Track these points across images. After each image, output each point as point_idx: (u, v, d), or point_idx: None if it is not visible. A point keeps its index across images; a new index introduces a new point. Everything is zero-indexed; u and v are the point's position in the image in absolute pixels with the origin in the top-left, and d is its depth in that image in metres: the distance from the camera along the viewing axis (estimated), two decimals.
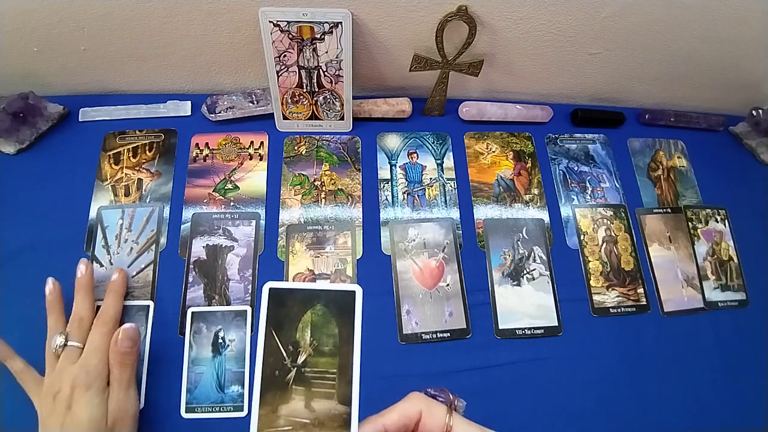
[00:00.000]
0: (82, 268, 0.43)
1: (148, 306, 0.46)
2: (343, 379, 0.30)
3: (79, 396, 0.37)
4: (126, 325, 0.40)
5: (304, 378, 0.29)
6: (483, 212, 0.54)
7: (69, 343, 0.39)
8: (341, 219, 0.52)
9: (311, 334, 0.31)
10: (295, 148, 0.55)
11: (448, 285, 0.50)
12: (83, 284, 0.42)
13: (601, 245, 0.54)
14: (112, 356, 0.39)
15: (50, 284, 0.42)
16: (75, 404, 0.37)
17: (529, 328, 0.49)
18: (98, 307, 0.43)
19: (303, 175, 0.54)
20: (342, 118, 0.55)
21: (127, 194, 0.51)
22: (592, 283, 0.52)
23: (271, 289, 0.30)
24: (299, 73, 0.51)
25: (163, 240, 0.49)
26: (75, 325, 0.41)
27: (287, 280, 0.48)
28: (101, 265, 0.47)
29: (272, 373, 0.29)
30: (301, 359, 0.30)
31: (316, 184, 0.54)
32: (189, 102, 0.56)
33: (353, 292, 0.31)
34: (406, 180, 0.55)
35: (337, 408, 0.29)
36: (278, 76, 0.51)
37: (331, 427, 0.29)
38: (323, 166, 0.55)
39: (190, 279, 0.47)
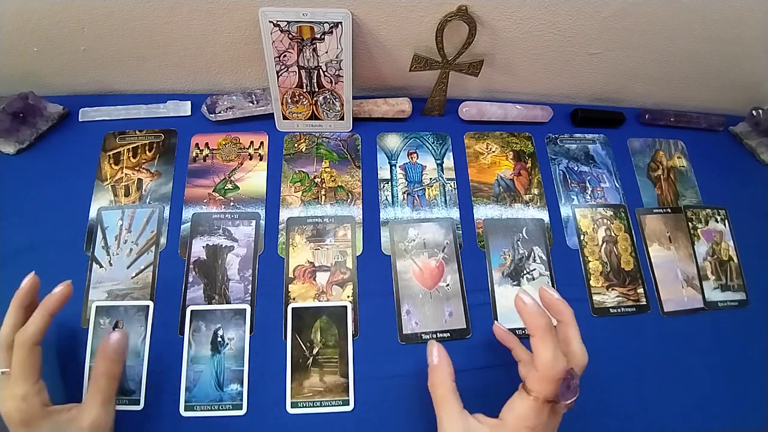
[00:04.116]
0: (24, 281, 0.38)
1: (148, 306, 0.46)
2: (342, 362, 0.45)
3: None
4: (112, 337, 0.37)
5: (318, 362, 0.45)
6: (483, 212, 0.54)
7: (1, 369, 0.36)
8: (341, 216, 0.52)
9: (321, 335, 0.46)
10: (295, 145, 0.55)
11: (448, 285, 0.50)
12: (15, 297, 0.38)
13: (601, 245, 0.54)
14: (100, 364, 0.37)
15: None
16: None
17: None
18: None
19: (303, 172, 0.54)
20: (342, 118, 0.55)
21: (127, 194, 0.51)
22: (592, 283, 0.52)
23: (293, 308, 0.46)
24: (299, 73, 0.51)
25: (163, 240, 0.49)
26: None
27: (288, 275, 0.48)
28: (101, 266, 0.47)
29: (297, 361, 0.45)
30: (315, 351, 0.45)
31: (316, 181, 0.54)
32: (189, 102, 0.56)
33: (345, 307, 0.47)
34: (406, 180, 0.55)
35: (339, 380, 0.45)
36: (278, 76, 0.51)
37: (337, 392, 0.44)
38: (323, 163, 0.55)
39: (190, 279, 0.47)
